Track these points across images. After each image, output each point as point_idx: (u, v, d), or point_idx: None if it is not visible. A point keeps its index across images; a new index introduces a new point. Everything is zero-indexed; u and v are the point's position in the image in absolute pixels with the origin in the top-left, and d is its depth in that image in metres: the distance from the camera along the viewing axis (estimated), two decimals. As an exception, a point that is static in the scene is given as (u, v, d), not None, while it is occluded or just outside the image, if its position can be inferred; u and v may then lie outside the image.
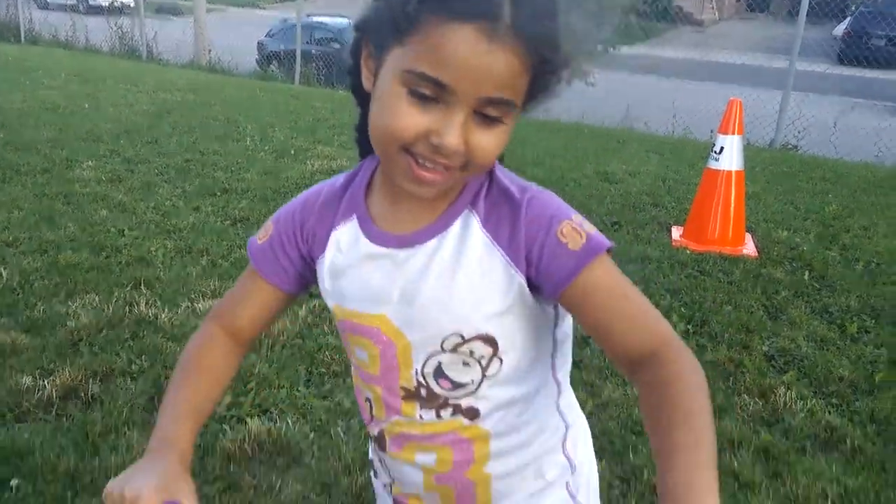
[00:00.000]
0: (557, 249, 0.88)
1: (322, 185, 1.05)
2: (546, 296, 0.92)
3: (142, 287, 3.64)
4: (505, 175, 0.96)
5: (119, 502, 0.84)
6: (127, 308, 3.39)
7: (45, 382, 2.72)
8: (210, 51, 13.67)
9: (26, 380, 2.73)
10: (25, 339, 3.05)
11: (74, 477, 2.25)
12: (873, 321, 3.76)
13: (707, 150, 5.01)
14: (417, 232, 0.94)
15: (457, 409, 0.97)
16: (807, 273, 4.38)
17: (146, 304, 3.45)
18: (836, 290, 4.15)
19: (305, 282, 1.06)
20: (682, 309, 3.76)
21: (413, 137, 0.83)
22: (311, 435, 2.56)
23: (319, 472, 2.37)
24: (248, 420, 2.59)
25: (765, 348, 3.42)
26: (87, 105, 8.28)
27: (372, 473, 1.16)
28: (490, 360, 0.94)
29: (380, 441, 1.05)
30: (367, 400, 1.05)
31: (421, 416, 0.99)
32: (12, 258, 3.87)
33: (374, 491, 1.17)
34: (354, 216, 0.99)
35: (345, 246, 0.99)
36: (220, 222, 4.70)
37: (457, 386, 0.96)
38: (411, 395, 0.98)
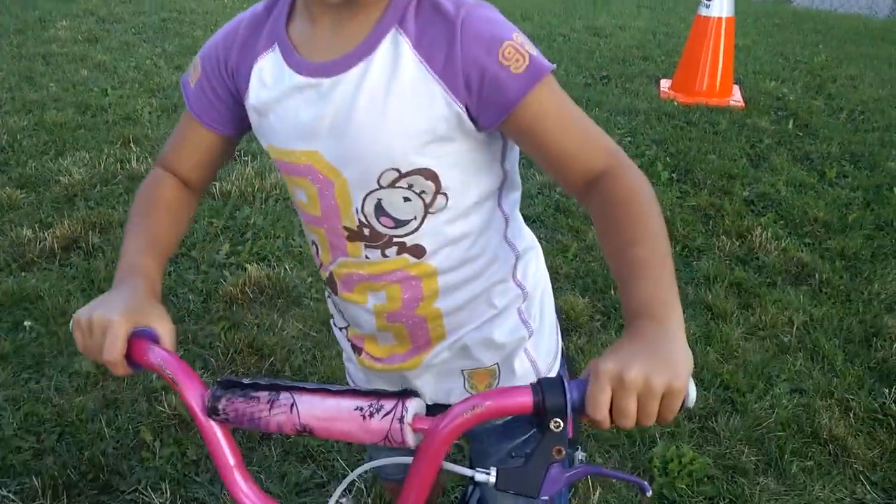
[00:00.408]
0: (500, 73, 0.81)
1: (243, 14, 0.95)
2: (488, 123, 0.85)
3: (131, 145, 3.59)
4: None
5: (87, 329, 0.80)
6: (118, 165, 3.37)
7: (46, 234, 2.75)
8: None
9: (27, 232, 2.76)
10: (21, 194, 3.05)
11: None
12: (852, 166, 3.81)
13: (700, 3, 4.83)
14: (342, 57, 0.86)
15: (402, 248, 0.92)
16: (791, 122, 4.37)
17: (136, 160, 3.43)
18: (819, 137, 4.16)
19: (241, 123, 0.98)
20: (667, 158, 3.77)
21: None
22: (309, 279, 2.64)
23: (318, 311, 2.46)
24: (248, 266, 2.66)
25: (745, 193, 3.48)
26: None
27: (331, 319, 1.12)
28: (434, 196, 0.89)
29: (331, 284, 1.01)
30: (314, 243, 1.00)
31: (367, 256, 0.94)
32: None
33: (336, 336, 1.14)
34: (276, 45, 0.90)
35: (269, 78, 0.91)
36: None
37: (399, 224, 0.90)
38: (355, 234, 0.93)
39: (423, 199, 0.89)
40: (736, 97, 4.76)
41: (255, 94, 0.92)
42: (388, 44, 0.84)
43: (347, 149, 0.87)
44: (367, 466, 0.85)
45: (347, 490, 1.30)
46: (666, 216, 3.12)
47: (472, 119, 0.85)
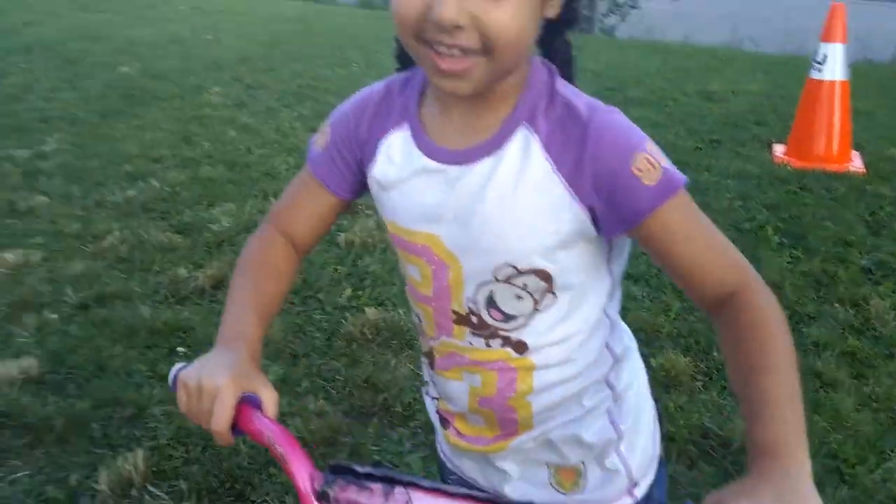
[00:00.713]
0: (631, 183, 0.80)
1: (374, 87, 0.96)
2: (612, 232, 0.85)
3: (270, 197, 3.99)
4: (568, 88, 0.87)
5: (195, 392, 0.80)
6: (259, 215, 3.76)
7: (198, 274, 3.12)
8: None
9: (182, 271, 3.14)
10: (178, 238, 3.48)
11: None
12: (983, 238, 3.60)
13: (812, 66, 4.78)
14: (472, 148, 0.86)
15: (506, 341, 0.92)
16: (916, 189, 4.19)
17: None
18: (947, 206, 3.96)
19: (361, 189, 0.99)
20: (779, 224, 3.72)
21: (415, 19, 0.77)
22: (421, 325, 2.82)
23: (429, 355, 2.63)
24: (367, 309, 2.89)
25: (863, 261, 3.37)
26: (209, 36, 8.74)
27: (424, 388, 1.11)
28: (543, 294, 0.88)
29: (429, 357, 1.01)
30: (418, 317, 0.99)
31: (470, 342, 0.94)
32: (161, 172, 4.32)
33: (426, 405, 1.13)
34: (407, 125, 0.91)
35: (397, 156, 0.91)
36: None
37: (508, 318, 0.90)
38: (463, 319, 0.92)
39: (534, 298, 0.89)
40: (856, 163, 4.62)
41: (381, 169, 0.93)
42: (518, 141, 0.85)
43: (469, 239, 0.87)
44: None
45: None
46: (775, 281, 3.15)
47: (595, 225, 0.84)
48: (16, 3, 9.28)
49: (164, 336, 2.69)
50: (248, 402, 0.79)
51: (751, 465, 0.70)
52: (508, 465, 1.01)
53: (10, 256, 3.20)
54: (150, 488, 1.99)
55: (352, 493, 0.73)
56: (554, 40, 0.88)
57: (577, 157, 0.82)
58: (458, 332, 0.94)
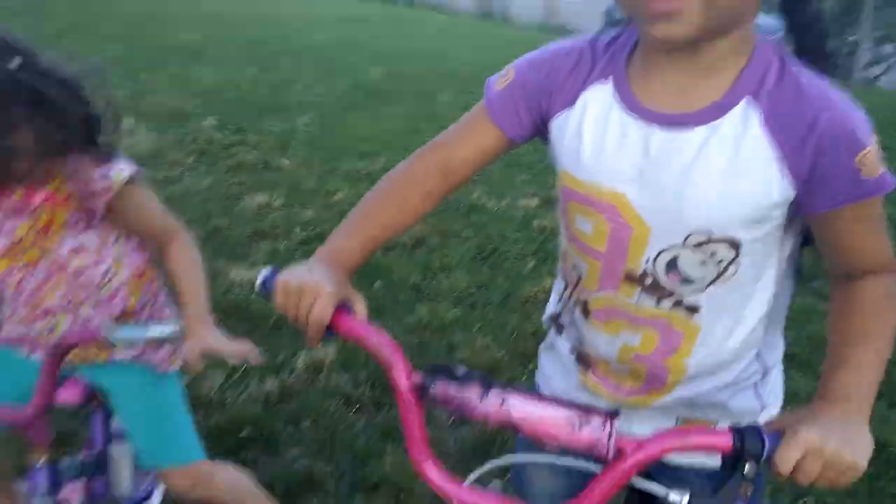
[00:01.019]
0: (851, 174, 0.81)
1: (575, 41, 0.95)
2: (809, 211, 0.85)
3: (480, 184, 4.31)
4: (803, 73, 0.84)
5: (296, 291, 0.84)
6: (466, 196, 4.09)
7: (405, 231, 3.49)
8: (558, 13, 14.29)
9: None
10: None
11: (419, 290, 2.97)
12: None
13: None
14: (686, 114, 0.84)
15: (678, 304, 0.91)
16: None
17: (478, 195, 4.11)
18: None
19: (532, 134, 0.98)
20: None
21: None
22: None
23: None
24: (545, 278, 3.02)
25: None
26: (447, 53, 9.49)
27: (553, 330, 1.10)
28: (729, 263, 0.88)
29: (583, 307, 0.99)
30: (576, 267, 0.98)
31: (638, 301, 0.93)
32: (387, 153, 4.82)
33: (547, 345, 1.13)
34: (611, 80, 0.89)
35: (595, 109, 0.89)
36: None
37: (686, 282, 0.90)
38: (634, 279, 0.91)
39: (718, 267, 0.88)
40: None
41: (576, 120, 0.91)
42: (738, 114, 0.83)
43: (663, 205, 0.86)
44: (536, 458, 0.96)
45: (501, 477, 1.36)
46: None
47: (796, 203, 0.85)
48: (291, 15, 10.82)
49: (365, 275, 3.07)
50: (344, 308, 0.87)
51: (824, 402, 0.81)
52: (637, 417, 1.02)
53: (259, 198, 3.84)
54: (335, 374, 2.33)
55: (450, 389, 0.78)
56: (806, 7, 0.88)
57: (801, 138, 0.81)
58: (626, 289, 0.93)
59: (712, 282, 0.89)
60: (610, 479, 0.75)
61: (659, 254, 0.88)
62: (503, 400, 0.77)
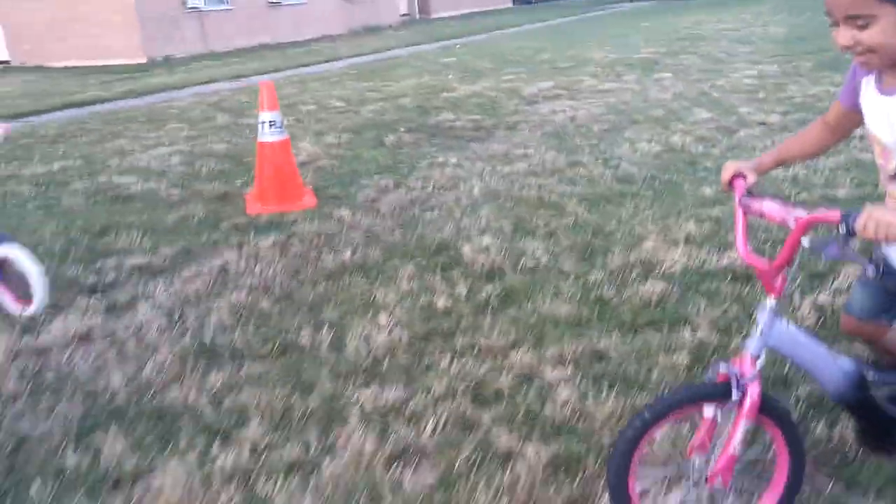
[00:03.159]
0: None
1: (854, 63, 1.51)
2: None
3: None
4: None
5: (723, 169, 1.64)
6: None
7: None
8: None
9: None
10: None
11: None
12: None
13: None
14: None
15: None
16: None
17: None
18: None
19: (857, 107, 1.57)
20: None
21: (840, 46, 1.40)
22: None
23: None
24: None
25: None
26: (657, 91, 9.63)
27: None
28: None
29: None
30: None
31: None
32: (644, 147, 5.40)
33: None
34: (873, 76, 1.50)
35: (868, 93, 1.52)
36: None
37: None
38: None
39: None
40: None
41: (862, 98, 1.56)
42: None
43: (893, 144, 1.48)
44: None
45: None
46: None
47: None
48: (533, 39, 10.55)
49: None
50: (740, 176, 1.63)
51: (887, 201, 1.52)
52: None
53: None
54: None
55: (765, 202, 1.50)
56: None
57: None
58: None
59: None
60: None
61: None
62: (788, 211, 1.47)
